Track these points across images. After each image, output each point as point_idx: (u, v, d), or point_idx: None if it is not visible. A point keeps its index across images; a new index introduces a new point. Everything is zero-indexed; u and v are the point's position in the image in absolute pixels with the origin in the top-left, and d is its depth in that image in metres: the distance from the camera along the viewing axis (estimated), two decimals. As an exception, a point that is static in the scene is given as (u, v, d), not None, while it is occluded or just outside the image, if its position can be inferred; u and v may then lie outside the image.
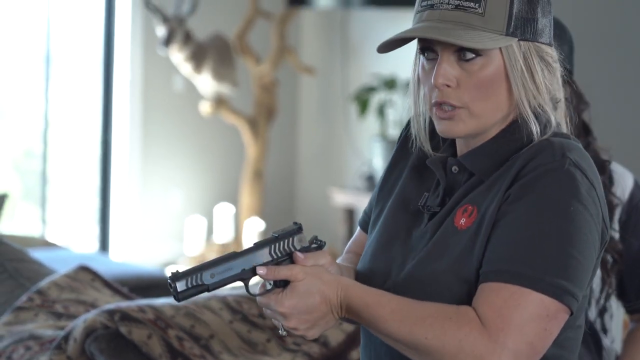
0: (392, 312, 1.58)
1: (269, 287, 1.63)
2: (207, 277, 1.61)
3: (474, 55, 1.62)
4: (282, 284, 1.62)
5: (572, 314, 1.58)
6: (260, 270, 1.62)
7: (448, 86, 1.63)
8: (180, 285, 1.60)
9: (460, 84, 1.63)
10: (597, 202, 1.60)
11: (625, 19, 5.69)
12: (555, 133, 1.66)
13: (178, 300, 1.61)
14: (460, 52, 1.62)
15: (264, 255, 1.63)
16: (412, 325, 1.56)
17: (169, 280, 1.61)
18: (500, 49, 1.62)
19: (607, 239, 1.64)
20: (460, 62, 1.63)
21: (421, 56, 1.69)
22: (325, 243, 1.69)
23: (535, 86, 1.63)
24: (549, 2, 1.68)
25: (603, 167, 2.39)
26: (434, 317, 1.56)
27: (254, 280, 1.66)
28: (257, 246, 1.64)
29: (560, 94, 1.69)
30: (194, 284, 1.60)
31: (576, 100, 2.31)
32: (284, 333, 1.65)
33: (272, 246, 1.64)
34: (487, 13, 1.61)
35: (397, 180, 1.81)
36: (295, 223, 1.66)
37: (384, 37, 1.72)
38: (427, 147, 1.75)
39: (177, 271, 1.61)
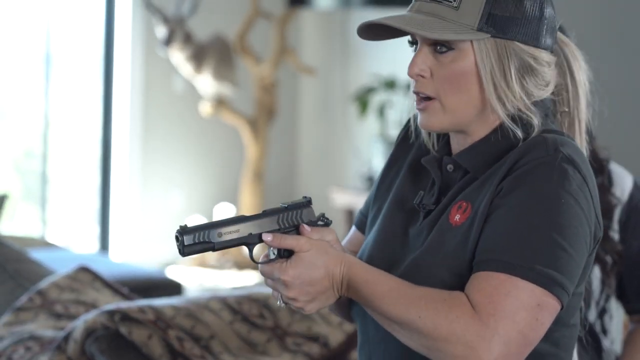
0: (389, 290, 1.58)
1: (272, 256, 1.63)
2: (214, 236, 1.61)
3: (446, 49, 1.64)
4: (286, 254, 1.62)
5: (562, 307, 1.58)
6: (267, 236, 1.62)
7: (422, 77, 1.65)
8: (188, 239, 1.60)
9: (433, 75, 1.65)
10: (588, 198, 1.61)
11: (625, 18, 5.69)
12: (548, 129, 1.67)
13: (183, 254, 1.61)
14: (436, 45, 1.64)
15: (272, 223, 1.64)
16: (407, 305, 1.56)
17: (176, 234, 1.61)
18: (472, 44, 1.63)
19: (599, 235, 1.64)
20: (436, 54, 1.65)
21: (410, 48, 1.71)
22: (331, 222, 1.70)
23: (507, 85, 1.64)
24: (546, 3, 1.68)
25: (602, 167, 2.39)
26: (428, 298, 1.56)
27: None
28: (266, 214, 1.64)
29: (543, 94, 1.68)
30: (201, 240, 1.60)
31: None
32: (282, 305, 1.64)
33: (281, 215, 1.64)
34: (462, 7, 1.63)
35: (394, 179, 1.82)
36: (305, 197, 1.67)
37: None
38: (429, 143, 1.76)
39: (186, 225, 1.61)
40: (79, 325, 2.45)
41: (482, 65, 1.63)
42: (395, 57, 7.12)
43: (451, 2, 1.63)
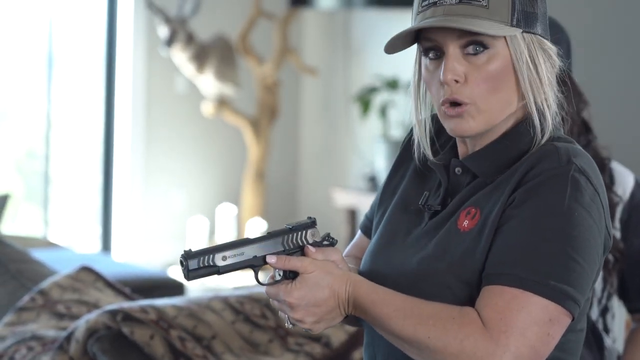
0: (396, 310, 1.58)
1: (278, 277, 1.64)
2: (219, 259, 1.62)
3: (481, 49, 1.63)
4: (291, 276, 1.62)
5: (573, 319, 1.58)
6: (271, 258, 1.63)
7: (457, 82, 1.63)
8: (192, 264, 1.60)
9: (468, 79, 1.63)
10: (600, 209, 1.61)
11: (624, 17, 5.69)
12: (559, 137, 1.67)
13: (188, 278, 1.61)
14: (466, 47, 1.63)
15: (277, 244, 1.64)
16: (416, 324, 1.56)
17: (181, 258, 1.61)
18: (506, 41, 1.63)
19: (609, 245, 1.64)
20: (467, 57, 1.64)
21: (424, 58, 1.69)
22: (337, 241, 1.70)
23: (539, 79, 1.64)
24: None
25: (603, 166, 2.39)
26: (437, 316, 1.56)
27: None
28: (271, 235, 1.65)
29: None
30: (206, 264, 1.61)
31: (576, 99, 2.31)
32: (290, 326, 1.65)
33: (285, 237, 1.65)
34: (491, 5, 1.62)
35: (399, 183, 1.81)
36: (309, 217, 1.67)
37: (386, 38, 1.72)
38: (428, 152, 1.75)
39: (190, 249, 1.61)
40: (81, 325, 2.45)
41: (517, 61, 1.63)
42: (398, 57, 7.10)
43: (480, 1, 1.62)
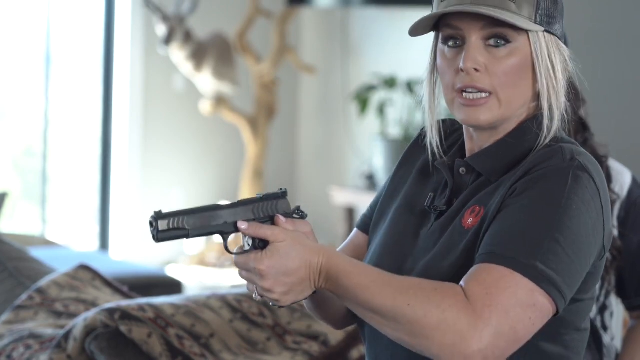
0: (373, 280, 1.56)
1: (247, 247, 1.62)
2: (189, 223, 1.60)
3: (502, 42, 1.64)
4: (260, 246, 1.60)
5: (557, 313, 1.57)
6: (242, 224, 1.61)
7: (477, 70, 1.64)
8: (162, 224, 1.58)
9: (488, 70, 1.64)
10: (599, 209, 1.61)
11: (623, 16, 5.69)
12: (562, 138, 1.68)
13: (157, 240, 1.58)
14: (488, 39, 1.64)
15: (247, 212, 1.62)
16: (395, 293, 1.54)
17: (150, 219, 1.58)
18: (528, 37, 1.64)
19: (607, 246, 1.64)
20: (488, 48, 1.64)
21: (441, 46, 1.69)
22: (307, 215, 1.68)
23: (556, 79, 1.66)
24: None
25: (600, 164, 2.39)
26: (419, 287, 1.54)
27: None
28: (241, 203, 1.63)
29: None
30: (176, 226, 1.58)
31: (573, 97, 2.31)
32: (258, 297, 1.62)
33: (256, 205, 1.63)
34: (518, 0, 1.63)
35: (402, 184, 1.82)
36: (280, 189, 1.66)
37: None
38: (436, 148, 1.75)
39: (161, 211, 1.59)
40: (78, 324, 2.45)
41: (537, 58, 1.65)
42: (396, 55, 7.11)
43: None
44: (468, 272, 1.57)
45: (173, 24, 6.74)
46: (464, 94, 1.65)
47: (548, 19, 1.65)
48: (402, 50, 6.80)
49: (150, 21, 7.08)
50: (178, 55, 6.86)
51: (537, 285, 1.54)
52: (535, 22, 1.64)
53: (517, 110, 1.67)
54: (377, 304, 1.55)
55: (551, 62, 1.66)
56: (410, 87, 6.47)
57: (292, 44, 7.42)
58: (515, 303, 1.53)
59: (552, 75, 1.66)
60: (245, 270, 1.61)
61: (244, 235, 1.62)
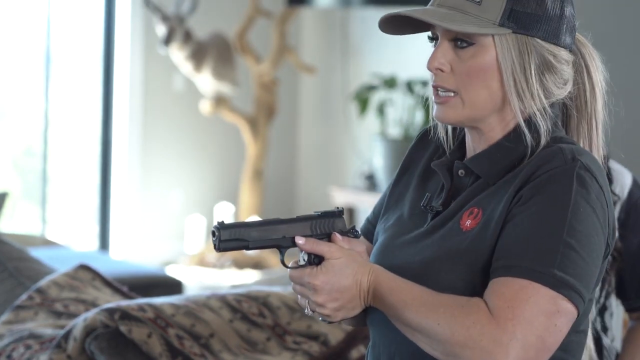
0: (412, 298, 1.60)
1: (302, 262, 1.66)
2: (250, 235, 1.65)
3: (466, 44, 1.65)
4: (315, 261, 1.65)
5: (578, 314, 1.59)
6: (300, 239, 1.65)
7: (442, 70, 1.66)
8: (225, 234, 1.63)
9: (454, 70, 1.66)
10: (604, 207, 1.62)
11: (623, 15, 5.69)
12: (561, 138, 1.68)
13: (218, 249, 1.64)
14: (455, 40, 1.65)
15: (305, 228, 1.67)
16: (428, 312, 1.57)
17: (213, 229, 1.64)
18: (493, 39, 1.64)
19: (612, 244, 1.65)
20: (456, 49, 1.66)
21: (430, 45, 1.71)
22: (360, 234, 1.73)
23: (526, 81, 1.64)
24: (567, 2, 1.69)
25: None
26: (447, 305, 1.57)
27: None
28: (300, 219, 1.68)
29: (562, 92, 1.69)
30: (238, 237, 1.64)
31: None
32: (310, 312, 1.66)
33: (314, 222, 1.68)
34: (484, 3, 1.64)
35: (405, 190, 1.82)
36: (337, 208, 1.70)
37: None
38: (445, 144, 1.77)
39: (223, 221, 1.64)
40: (78, 324, 2.45)
41: (503, 60, 1.64)
42: (396, 55, 7.11)
43: None
44: (488, 288, 1.58)
45: (173, 24, 6.74)
46: (438, 91, 1.68)
47: (524, 20, 1.64)
48: (402, 50, 6.80)
49: (150, 21, 7.08)
50: (178, 55, 6.86)
51: (557, 292, 1.55)
52: (501, 25, 1.63)
53: (485, 110, 1.67)
54: (414, 322, 1.59)
55: (521, 63, 1.64)
56: (410, 87, 6.47)
57: (292, 44, 7.42)
58: (538, 312, 1.54)
59: (521, 76, 1.64)
60: (299, 284, 1.65)
61: (300, 250, 1.66)
